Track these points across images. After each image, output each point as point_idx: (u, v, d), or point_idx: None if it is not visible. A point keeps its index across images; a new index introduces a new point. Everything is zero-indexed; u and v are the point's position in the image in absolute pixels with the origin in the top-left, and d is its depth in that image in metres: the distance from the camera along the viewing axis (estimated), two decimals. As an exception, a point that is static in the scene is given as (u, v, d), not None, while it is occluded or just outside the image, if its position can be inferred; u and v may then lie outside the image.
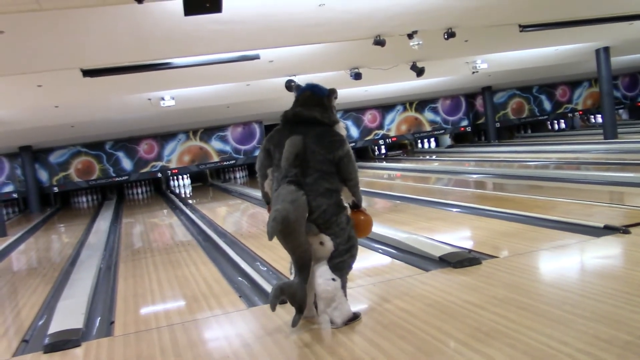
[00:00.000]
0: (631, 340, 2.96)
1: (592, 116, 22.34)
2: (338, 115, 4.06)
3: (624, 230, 5.26)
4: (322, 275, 3.66)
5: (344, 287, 3.73)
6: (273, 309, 3.57)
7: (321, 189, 3.66)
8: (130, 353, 3.81)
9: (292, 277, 4.09)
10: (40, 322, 4.90)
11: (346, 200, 3.89)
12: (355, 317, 3.78)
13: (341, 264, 3.71)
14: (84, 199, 18.49)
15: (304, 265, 3.65)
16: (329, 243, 3.68)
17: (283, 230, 3.50)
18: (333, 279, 3.65)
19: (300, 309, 3.67)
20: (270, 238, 3.54)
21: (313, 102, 3.86)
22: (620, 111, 22.03)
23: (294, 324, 3.70)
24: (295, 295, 3.62)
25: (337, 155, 3.72)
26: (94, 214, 14.38)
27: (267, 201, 3.99)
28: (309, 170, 3.67)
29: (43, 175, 17.41)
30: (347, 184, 3.83)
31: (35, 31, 6.27)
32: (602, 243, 5.08)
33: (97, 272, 6.54)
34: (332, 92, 3.94)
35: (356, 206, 3.97)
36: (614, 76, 16.99)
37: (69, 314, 4.70)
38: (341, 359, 3.23)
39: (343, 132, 3.90)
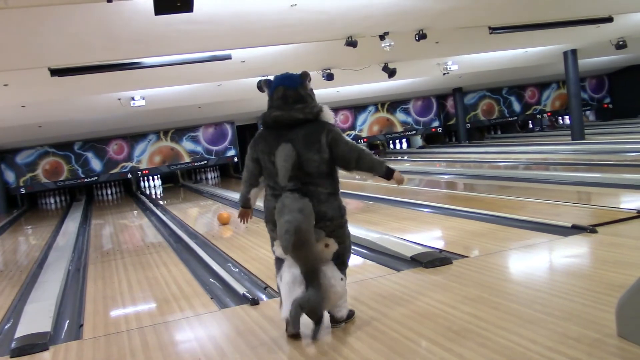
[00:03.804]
0: (599, 338, 3.01)
1: (560, 117, 22.71)
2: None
3: (591, 229, 5.36)
4: (334, 276, 3.58)
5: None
6: (297, 329, 3.50)
7: (322, 195, 3.53)
8: (100, 356, 3.75)
9: (278, 282, 3.80)
10: (7, 326, 4.80)
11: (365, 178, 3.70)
12: (351, 314, 3.82)
13: (344, 261, 3.71)
14: (52, 200, 18.16)
15: (314, 273, 3.47)
16: (334, 245, 3.62)
17: (296, 241, 3.32)
18: (342, 279, 3.64)
19: (319, 321, 3.54)
20: (288, 251, 3.39)
21: (290, 98, 3.55)
22: (588, 112, 22.42)
23: (314, 335, 3.53)
24: (316, 310, 3.48)
25: (327, 147, 3.54)
26: (62, 215, 14.13)
27: (243, 205, 3.81)
28: (307, 178, 3.52)
29: (10, 176, 17.06)
30: (351, 167, 3.62)
31: (1, 29, 6.15)
32: (570, 242, 5.16)
33: (65, 274, 6.42)
34: (304, 77, 3.63)
35: (388, 174, 3.79)
36: (581, 78, 17.31)
37: (37, 317, 4.61)
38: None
39: (330, 117, 3.63)
